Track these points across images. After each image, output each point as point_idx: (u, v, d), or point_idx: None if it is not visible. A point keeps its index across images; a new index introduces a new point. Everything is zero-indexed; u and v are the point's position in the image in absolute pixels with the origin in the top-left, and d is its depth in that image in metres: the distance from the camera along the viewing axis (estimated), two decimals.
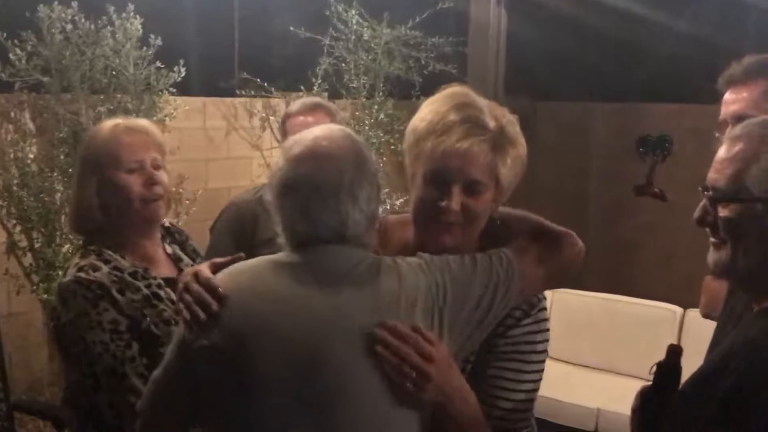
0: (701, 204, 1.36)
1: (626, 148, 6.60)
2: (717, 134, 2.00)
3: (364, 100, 5.33)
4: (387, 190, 5.53)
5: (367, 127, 5.34)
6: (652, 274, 6.18)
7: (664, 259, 6.21)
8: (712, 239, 1.36)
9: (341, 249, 1.47)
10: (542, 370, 1.63)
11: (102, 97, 4.11)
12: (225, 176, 5.01)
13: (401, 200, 5.53)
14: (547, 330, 1.65)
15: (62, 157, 4.09)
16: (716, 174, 1.34)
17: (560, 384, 4.50)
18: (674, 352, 1.77)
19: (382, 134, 5.39)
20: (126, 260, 1.97)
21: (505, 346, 1.58)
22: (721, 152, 1.33)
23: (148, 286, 1.95)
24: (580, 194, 7.14)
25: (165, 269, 2.06)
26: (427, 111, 1.61)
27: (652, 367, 1.77)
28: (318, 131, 1.53)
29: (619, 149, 6.68)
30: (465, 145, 1.53)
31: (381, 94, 5.35)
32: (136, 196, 1.96)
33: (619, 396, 4.19)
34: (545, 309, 1.66)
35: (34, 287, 4.11)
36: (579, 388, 4.41)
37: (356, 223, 1.47)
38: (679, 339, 4.48)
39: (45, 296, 4.09)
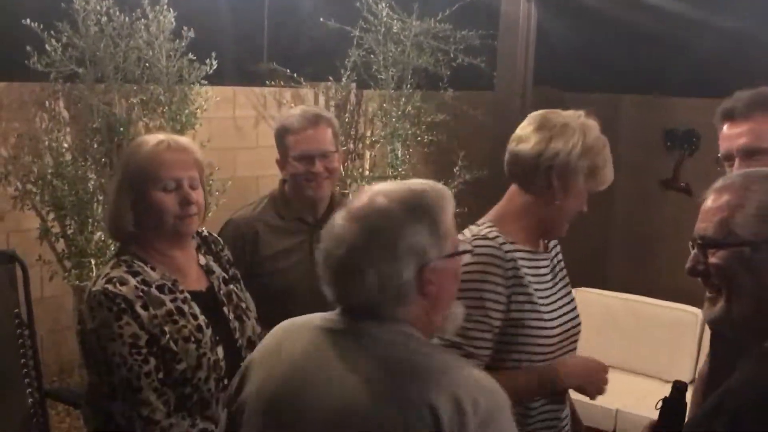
0: (692, 254, 1.41)
1: (654, 141, 6.59)
2: (727, 167, 2.01)
3: (392, 91, 5.36)
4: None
5: (394, 119, 5.37)
6: (676, 269, 6.16)
7: (689, 254, 6.20)
8: (707, 294, 1.41)
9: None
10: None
11: (135, 88, 4.18)
12: (253, 165, 5.06)
13: None
14: None
15: (95, 146, 4.17)
16: (704, 223, 1.40)
17: None
18: (678, 389, 1.81)
19: (409, 126, 5.42)
20: (156, 272, 2.04)
21: None
22: (708, 203, 1.39)
23: (174, 300, 2.02)
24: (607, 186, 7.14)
25: (195, 282, 2.12)
26: None
27: (657, 403, 1.81)
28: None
29: (647, 142, 6.66)
30: None
31: (409, 86, 5.37)
32: (170, 215, 2.03)
33: (638, 397, 4.21)
34: None
35: (66, 273, 4.21)
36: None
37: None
38: (701, 341, 4.49)
39: (77, 282, 4.19)
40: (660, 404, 1.81)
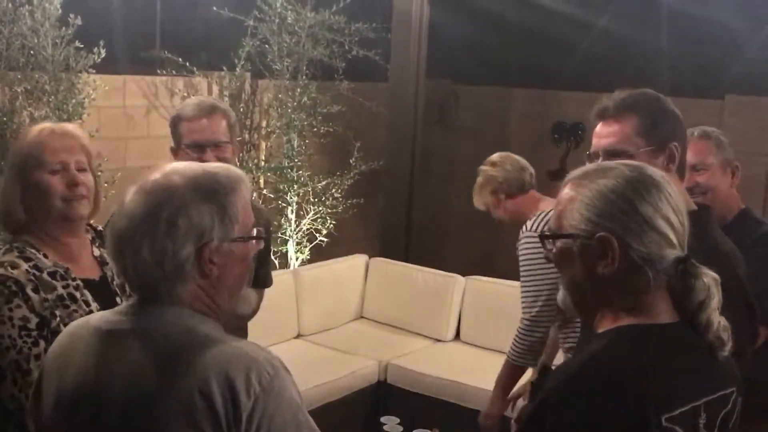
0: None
1: (542, 133, 6.81)
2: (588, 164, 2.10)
3: (288, 82, 5.36)
4: (309, 173, 5.60)
5: (290, 110, 5.37)
6: None
7: None
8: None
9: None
10: None
11: (19, 76, 4.04)
12: (145, 155, 4.96)
13: (323, 183, 5.61)
14: None
15: None
16: (551, 214, 1.51)
17: (471, 368, 4.67)
18: (545, 370, 1.93)
19: (305, 117, 5.43)
20: (48, 259, 2.02)
21: None
22: (558, 197, 1.48)
23: (66, 287, 2.01)
24: None
25: (88, 271, 2.11)
26: None
27: (526, 386, 1.92)
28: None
29: (536, 134, 6.88)
30: None
31: (304, 77, 5.38)
32: (57, 196, 2.02)
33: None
34: None
35: None
36: (488, 372, 4.57)
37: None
38: None
39: None
40: (529, 387, 1.92)
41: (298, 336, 5.14)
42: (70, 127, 2.14)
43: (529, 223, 2.94)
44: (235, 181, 1.47)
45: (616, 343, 1.38)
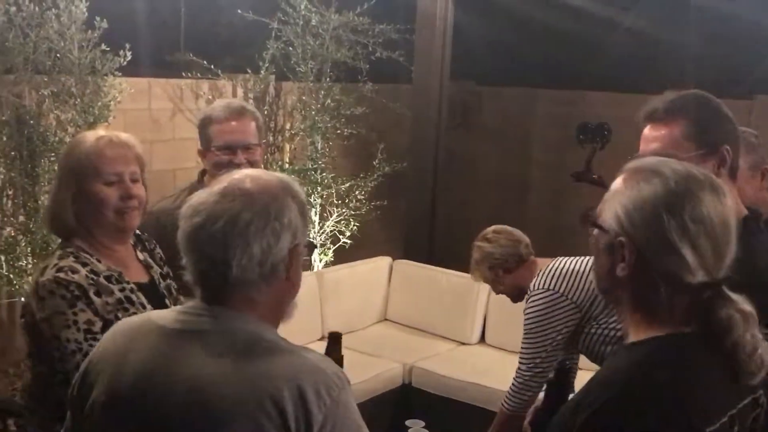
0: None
1: (567, 134, 6.76)
2: None
3: (311, 84, 5.36)
4: (332, 175, 5.60)
5: (314, 112, 5.38)
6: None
7: None
8: None
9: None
10: None
11: (45, 79, 4.07)
12: (170, 158, 4.99)
13: (347, 185, 5.61)
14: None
15: (4, 139, 4.04)
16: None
17: (495, 371, 4.64)
18: (562, 371, 1.90)
19: (328, 119, 5.44)
20: (101, 264, 2.05)
21: None
22: (613, 182, 1.45)
23: (122, 290, 2.04)
24: (521, 178, 7.30)
25: (137, 275, 2.15)
26: None
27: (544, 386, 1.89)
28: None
29: (560, 135, 6.84)
30: None
31: (328, 79, 5.38)
32: (111, 208, 2.05)
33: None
34: None
35: None
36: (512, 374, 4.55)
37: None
38: None
39: None
40: (545, 387, 1.89)
41: (322, 338, 5.14)
42: (125, 136, 2.16)
43: (534, 283, 2.88)
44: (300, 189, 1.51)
45: (655, 357, 1.35)
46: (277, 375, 1.33)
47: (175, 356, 1.40)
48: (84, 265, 2.00)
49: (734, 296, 1.36)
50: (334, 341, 1.74)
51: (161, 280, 2.23)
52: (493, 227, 3.17)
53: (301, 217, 1.44)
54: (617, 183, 1.43)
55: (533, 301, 2.85)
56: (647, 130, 1.98)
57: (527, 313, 2.86)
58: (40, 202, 4.03)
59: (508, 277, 3.06)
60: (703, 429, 1.29)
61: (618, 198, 1.40)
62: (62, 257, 2.03)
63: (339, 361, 1.67)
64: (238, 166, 2.65)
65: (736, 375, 1.35)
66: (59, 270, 1.97)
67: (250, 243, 1.38)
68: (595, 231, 1.43)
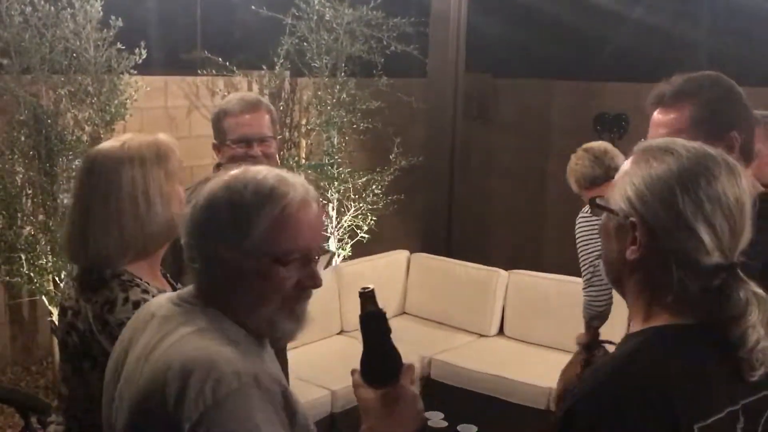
0: None
1: (584, 125, 6.72)
2: None
3: (326, 79, 5.36)
4: (349, 170, 5.60)
5: (329, 107, 5.38)
6: None
7: None
8: None
9: None
10: None
11: (62, 79, 4.10)
12: (187, 155, 4.97)
13: (363, 179, 5.61)
14: None
15: (23, 138, 4.08)
16: None
17: (514, 363, 4.63)
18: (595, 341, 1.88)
19: (344, 113, 5.44)
20: (151, 285, 1.95)
21: None
22: (622, 165, 1.40)
23: None
24: (539, 170, 7.27)
25: (166, 287, 2.06)
26: None
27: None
28: None
29: (577, 126, 6.80)
30: None
31: (343, 74, 5.38)
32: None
33: None
34: None
35: None
36: (532, 366, 4.55)
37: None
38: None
39: (6, 278, 4.11)
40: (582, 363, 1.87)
41: (341, 332, 5.15)
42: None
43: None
44: None
45: (646, 348, 1.29)
46: (181, 352, 1.31)
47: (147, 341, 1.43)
48: (146, 292, 1.90)
49: (744, 279, 1.29)
50: (365, 300, 1.52)
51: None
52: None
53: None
54: (627, 164, 1.36)
55: (580, 222, 3.38)
56: (655, 115, 1.94)
57: (576, 232, 3.37)
58: (59, 200, 4.07)
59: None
60: (692, 425, 1.23)
61: (628, 178, 1.33)
62: (124, 290, 1.90)
63: (377, 316, 1.49)
64: (254, 158, 2.64)
65: (738, 370, 1.29)
66: (135, 305, 1.84)
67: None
68: (604, 215, 1.37)
